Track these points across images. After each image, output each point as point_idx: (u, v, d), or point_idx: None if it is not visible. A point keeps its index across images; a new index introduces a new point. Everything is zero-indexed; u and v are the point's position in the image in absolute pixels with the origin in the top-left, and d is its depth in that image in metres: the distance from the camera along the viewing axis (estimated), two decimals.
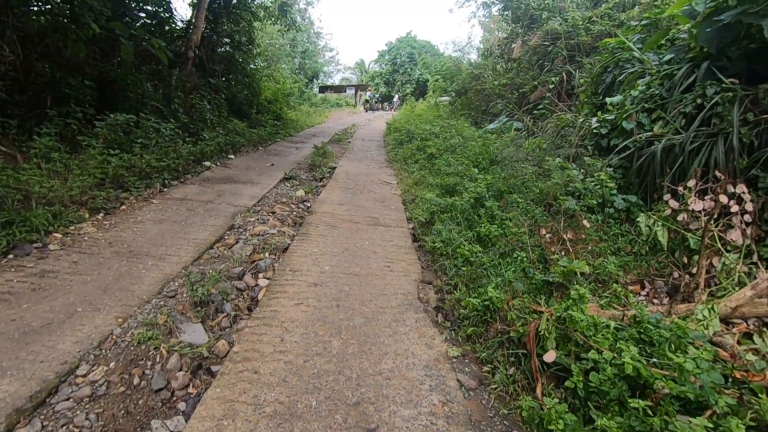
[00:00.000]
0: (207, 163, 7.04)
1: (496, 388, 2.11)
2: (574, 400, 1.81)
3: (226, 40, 12.57)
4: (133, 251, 3.43)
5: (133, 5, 9.77)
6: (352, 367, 2.19)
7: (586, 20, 10.26)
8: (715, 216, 2.81)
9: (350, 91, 43.51)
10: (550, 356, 1.90)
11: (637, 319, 1.93)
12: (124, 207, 4.46)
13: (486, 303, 2.51)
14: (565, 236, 3.06)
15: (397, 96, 39.00)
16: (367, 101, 37.70)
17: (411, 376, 2.16)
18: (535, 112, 9.39)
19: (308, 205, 5.47)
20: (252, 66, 12.97)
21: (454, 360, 2.38)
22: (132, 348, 2.31)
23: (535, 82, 10.09)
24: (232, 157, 8.26)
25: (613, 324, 1.90)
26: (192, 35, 10.82)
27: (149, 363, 2.23)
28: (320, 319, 2.61)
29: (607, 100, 4.71)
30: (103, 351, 2.29)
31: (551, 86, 9.38)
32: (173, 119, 8.23)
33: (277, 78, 23.43)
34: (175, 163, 5.86)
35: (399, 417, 1.88)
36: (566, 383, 1.80)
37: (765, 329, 2.33)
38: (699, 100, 3.63)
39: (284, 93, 20.46)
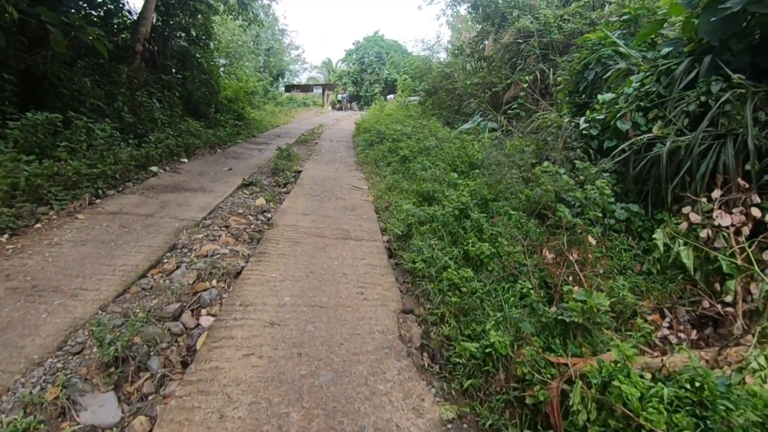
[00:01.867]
0: (154, 169, 6.23)
1: None
2: None
3: (181, 33, 11.61)
4: (37, 286, 2.69)
5: None
6: None
7: (558, 18, 10.06)
8: (747, 232, 2.43)
9: (317, 91, 42.57)
10: None
11: (696, 382, 1.46)
12: (39, 225, 3.66)
13: (487, 350, 2.00)
14: (570, 257, 2.60)
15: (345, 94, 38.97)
16: (339, 101, 37.07)
17: None
18: (509, 111, 9.08)
19: (269, 216, 4.81)
20: (210, 62, 12.04)
21: (449, 427, 1.85)
22: None
23: (509, 81, 9.78)
24: (185, 161, 7.44)
25: (665, 391, 1.43)
26: (140, 26, 9.85)
27: None
28: (276, 378, 2.01)
29: (599, 97, 4.33)
30: None
31: (525, 85, 9.08)
32: (116, 119, 7.34)
33: (240, 76, 22.36)
34: (112, 169, 5.05)
35: None
36: None
37: None
38: (703, 98, 3.27)
39: (246, 91, 19.50)
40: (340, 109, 36.98)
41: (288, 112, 22.84)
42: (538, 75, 9.22)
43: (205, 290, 2.92)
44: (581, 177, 3.81)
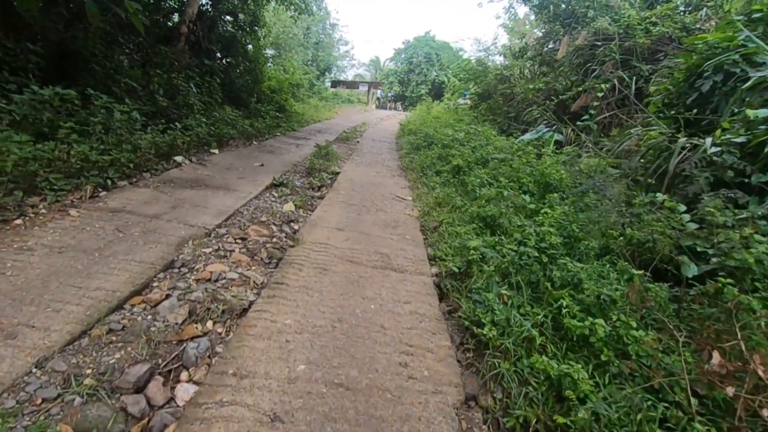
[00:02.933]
0: (178, 159, 5.62)
1: None
2: None
3: (228, 18, 11.17)
4: None
5: None
6: None
7: (644, 20, 8.77)
8: None
9: (363, 88, 42.10)
10: None
11: None
12: (18, 222, 3.03)
13: None
14: (754, 363, 1.61)
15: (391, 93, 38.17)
16: (378, 99, 36.50)
17: None
18: (578, 123, 7.92)
19: (295, 228, 4.03)
20: (257, 50, 11.51)
21: None
22: None
23: (579, 89, 8.60)
24: (215, 151, 6.83)
25: None
26: (187, 8, 9.42)
27: None
28: None
29: (749, 112, 3.23)
30: None
31: (600, 94, 7.89)
32: (149, 102, 6.83)
33: (287, 67, 22.06)
34: (125, 157, 4.43)
35: None
36: None
37: None
38: None
39: (292, 83, 19.11)
40: (384, 107, 36.34)
41: (332, 108, 22.33)
42: (617, 83, 8.01)
43: (193, 338, 2.14)
44: (717, 219, 2.74)
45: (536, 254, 2.77)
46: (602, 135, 7.89)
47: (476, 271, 3.02)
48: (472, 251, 2.98)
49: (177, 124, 6.29)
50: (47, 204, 3.35)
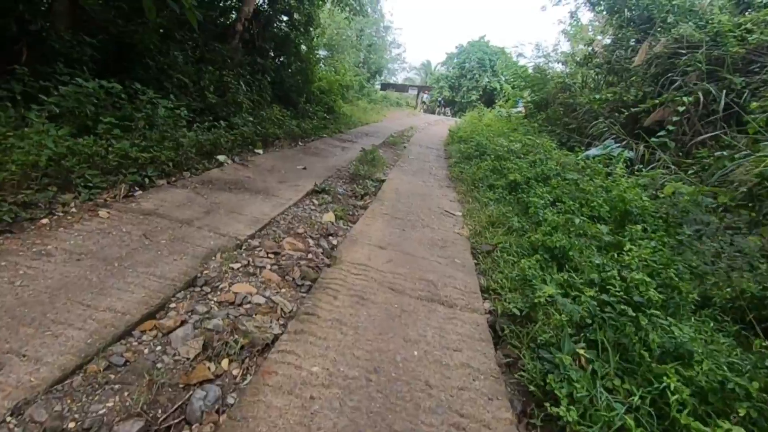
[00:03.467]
0: (221, 158, 5.45)
1: None
2: None
3: (284, 17, 11.14)
4: None
5: None
6: None
7: (737, 27, 7.75)
8: None
9: (413, 92, 41.76)
10: None
11: None
12: (45, 221, 2.86)
13: None
14: None
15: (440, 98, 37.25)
16: (424, 103, 35.99)
17: None
18: (653, 139, 7.08)
19: (334, 243, 3.67)
20: (309, 50, 11.41)
21: None
22: None
23: (656, 101, 7.70)
24: (260, 152, 6.66)
25: None
26: (244, 5, 9.43)
27: None
28: None
29: None
30: None
31: (681, 108, 7.01)
32: (199, 98, 6.78)
33: (338, 68, 22.09)
34: (166, 155, 4.27)
35: None
36: None
37: None
38: None
39: (342, 84, 19.05)
40: (433, 112, 35.78)
41: (380, 110, 22.09)
42: (701, 97, 7.08)
43: (203, 382, 1.80)
44: None
45: (623, 306, 2.22)
46: (680, 154, 7.01)
47: (542, 315, 2.51)
48: (539, 294, 2.47)
49: (222, 122, 6.16)
50: (79, 202, 3.19)
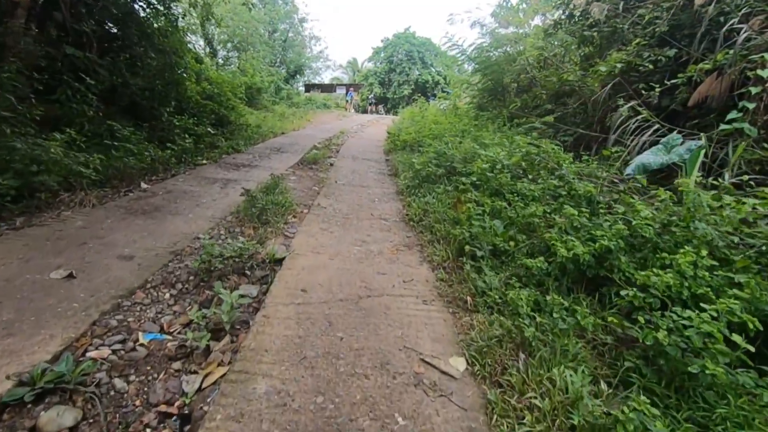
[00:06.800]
0: None
1: None
2: None
3: None
4: None
5: None
6: None
7: None
8: None
9: (341, 91, 38.35)
10: None
11: None
12: None
13: None
14: None
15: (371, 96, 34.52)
16: (347, 101, 32.97)
17: None
18: (723, 125, 4.38)
19: None
20: (170, 33, 7.61)
21: None
22: None
23: (707, 65, 4.99)
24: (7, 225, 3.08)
25: None
26: None
27: None
28: None
29: None
30: None
31: (761, 73, 4.38)
32: None
33: (246, 69, 18.24)
34: None
35: None
36: None
37: None
38: None
39: (250, 86, 15.37)
40: (365, 111, 32.71)
41: (303, 115, 18.48)
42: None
43: None
44: None
45: None
46: (764, 145, 4.42)
47: None
48: None
49: None
50: None
